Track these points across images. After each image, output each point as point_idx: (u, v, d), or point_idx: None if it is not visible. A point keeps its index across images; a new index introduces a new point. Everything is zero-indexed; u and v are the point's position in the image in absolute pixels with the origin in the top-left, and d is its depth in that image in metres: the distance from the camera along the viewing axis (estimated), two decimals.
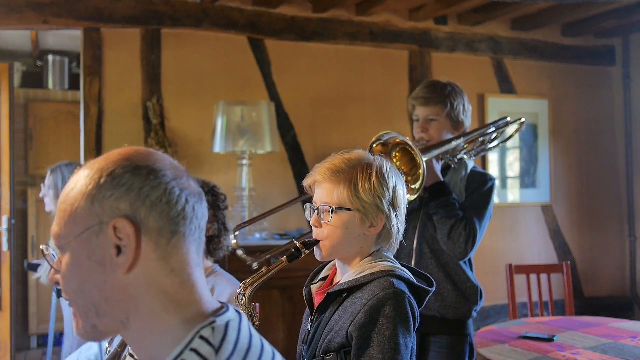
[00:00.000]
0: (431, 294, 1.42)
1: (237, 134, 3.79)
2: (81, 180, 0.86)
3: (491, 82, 4.96)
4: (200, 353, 0.82)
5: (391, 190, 1.41)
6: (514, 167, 5.03)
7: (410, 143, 1.91)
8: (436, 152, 2.10)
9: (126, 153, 0.88)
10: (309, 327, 1.47)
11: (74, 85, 5.53)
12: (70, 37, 4.82)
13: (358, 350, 1.30)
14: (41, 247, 0.92)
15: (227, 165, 4.11)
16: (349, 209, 1.38)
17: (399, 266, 1.42)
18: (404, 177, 1.57)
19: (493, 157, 4.93)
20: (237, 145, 3.80)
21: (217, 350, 0.82)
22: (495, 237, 4.71)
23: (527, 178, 5.04)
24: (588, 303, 5.13)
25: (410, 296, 1.35)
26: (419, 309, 1.39)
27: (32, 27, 3.90)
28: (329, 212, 1.39)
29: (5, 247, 4.18)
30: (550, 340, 2.41)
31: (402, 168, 1.99)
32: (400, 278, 1.37)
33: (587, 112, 5.28)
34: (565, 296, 3.36)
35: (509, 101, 4.96)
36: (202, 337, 0.83)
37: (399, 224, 1.43)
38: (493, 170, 4.90)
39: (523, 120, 2.41)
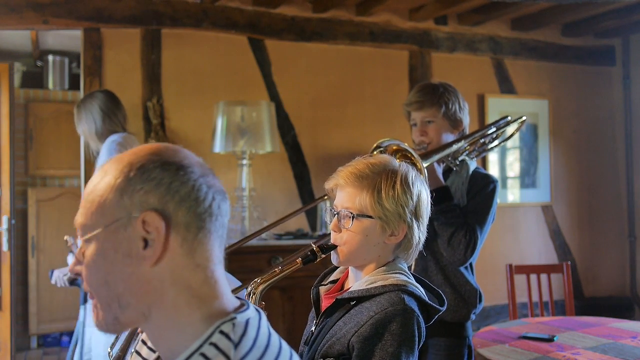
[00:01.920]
0: (440, 312, 1.38)
1: (237, 134, 3.79)
2: (109, 172, 0.86)
3: (491, 82, 4.96)
4: (219, 347, 0.83)
5: (415, 198, 1.36)
6: (514, 167, 5.03)
7: (410, 150, 1.88)
8: (437, 157, 2.07)
9: (155, 148, 0.89)
10: (313, 329, 1.44)
11: (74, 85, 5.53)
12: (70, 37, 4.82)
13: None
14: (65, 237, 0.92)
15: (227, 165, 4.11)
16: (370, 216, 1.35)
17: (412, 280, 1.38)
18: None
19: (493, 157, 4.93)
20: (237, 145, 3.80)
21: (236, 346, 0.83)
22: (495, 237, 4.71)
23: (527, 178, 5.04)
24: (588, 303, 5.13)
25: (419, 314, 1.32)
26: (427, 324, 1.36)
27: (32, 27, 3.89)
28: (350, 217, 1.36)
29: (5, 247, 4.18)
30: (550, 340, 2.41)
31: None
32: (412, 294, 1.33)
33: (587, 112, 5.28)
34: (565, 296, 3.36)
35: (509, 101, 4.96)
36: (221, 332, 0.84)
37: (420, 234, 1.39)
38: (493, 170, 4.90)
39: (524, 118, 2.36)
